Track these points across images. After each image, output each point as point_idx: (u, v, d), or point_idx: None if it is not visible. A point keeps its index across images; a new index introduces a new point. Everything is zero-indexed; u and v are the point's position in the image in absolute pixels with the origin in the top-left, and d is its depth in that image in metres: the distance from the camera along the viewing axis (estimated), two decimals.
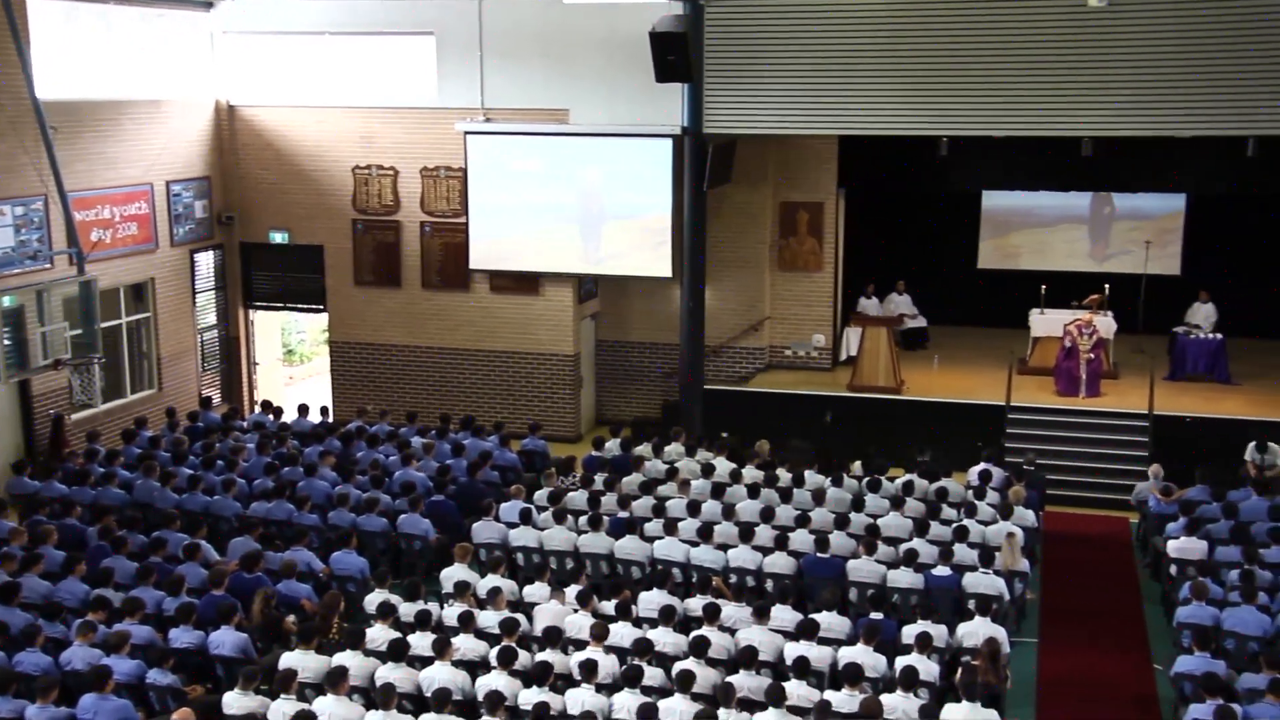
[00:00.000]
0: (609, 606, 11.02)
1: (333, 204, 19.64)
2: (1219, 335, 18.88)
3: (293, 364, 24.32)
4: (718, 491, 13.65)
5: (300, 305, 20.73)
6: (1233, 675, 9.95)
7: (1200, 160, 18.54)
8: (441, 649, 9.87)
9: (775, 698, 9.12)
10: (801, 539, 12.49)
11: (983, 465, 14.64)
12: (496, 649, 9.90)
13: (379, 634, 10.39)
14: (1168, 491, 14.21)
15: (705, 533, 12.46)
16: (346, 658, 9.91)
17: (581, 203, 18.45)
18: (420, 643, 10.15)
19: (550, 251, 18.70)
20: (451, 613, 10.79)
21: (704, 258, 17.75)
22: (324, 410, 17.62)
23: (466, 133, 18.60)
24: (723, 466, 14.62)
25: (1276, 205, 19.73)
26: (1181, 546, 12.58)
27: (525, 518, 12.98)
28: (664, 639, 10.36)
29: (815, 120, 16.78)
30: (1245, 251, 20.43)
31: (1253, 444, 15.32)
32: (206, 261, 19.75)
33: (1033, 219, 22.01)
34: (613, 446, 15.52)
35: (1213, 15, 14.93)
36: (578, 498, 13.74)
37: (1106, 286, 19.15)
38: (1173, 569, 12.56)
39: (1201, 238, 21.03)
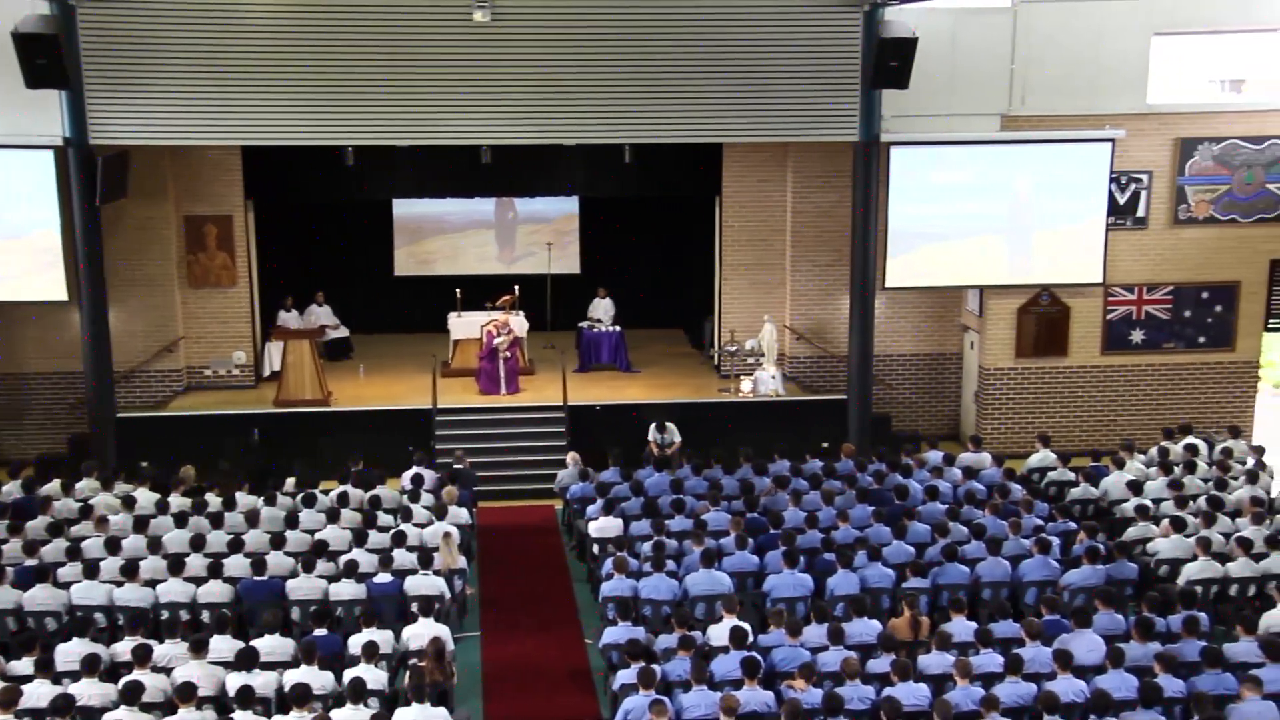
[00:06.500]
0: (22, 665, 10.01)
1: None
2: (618, 328, 20.59)
3: None
4: (141, 525, 12.89)
5: None
6: (651, 639, 10.87)
7: (587, 166, 20.09)
8: None
9: None
10: (237, 564, 12.10)
11: (414, 469, 14.90)
12: None
13: None
14: (585, 475, 15.21)
15: (130, 570, 11.76)
16: None
17: None
18: None
19: None
20: None
21: (104, 278, 16.51)
22: None
23: None
24: (145, 498, 13.89)
25: (653, 206, 21.87)
26: (601, 526, 13.56)
27: None
28: (88, 691, 9.66)
29: (211, 130, 16.12)
30: (633, 249, 22.48)
31: (654, 425, 16.89)
32: None
33: (444, 225, 22.71)
34: (13, 489, 14.24)
35: (586, 36, 16.13)
36: None
37: (516, 288, 20.23)
38: (595, 548, 13.50)
39: (595, 238, 22.82)
